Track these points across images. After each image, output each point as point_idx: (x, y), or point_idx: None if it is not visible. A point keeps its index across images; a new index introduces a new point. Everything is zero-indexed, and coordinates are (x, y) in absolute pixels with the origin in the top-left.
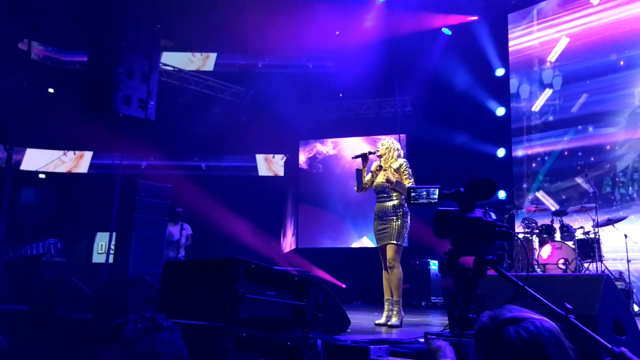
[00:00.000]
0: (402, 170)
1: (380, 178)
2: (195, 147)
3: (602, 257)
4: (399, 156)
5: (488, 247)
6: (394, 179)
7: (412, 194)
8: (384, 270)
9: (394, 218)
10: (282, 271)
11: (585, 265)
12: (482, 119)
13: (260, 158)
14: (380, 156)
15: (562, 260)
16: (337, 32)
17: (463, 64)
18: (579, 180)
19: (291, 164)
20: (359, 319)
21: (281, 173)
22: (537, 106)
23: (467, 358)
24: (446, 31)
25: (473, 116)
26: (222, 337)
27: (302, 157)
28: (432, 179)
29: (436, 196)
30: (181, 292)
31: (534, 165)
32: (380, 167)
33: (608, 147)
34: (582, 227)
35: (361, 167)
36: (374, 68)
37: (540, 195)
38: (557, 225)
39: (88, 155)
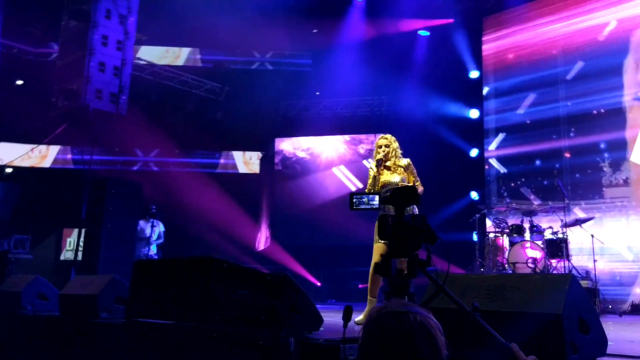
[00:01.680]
0: (410, 169)
1: (387, 177)
2: (168, 143)
3: (570, 257)
4: (402, 154)
5: (416, 250)
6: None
7: (354, 200)
8: (373, 269)
9: None
10: (255, 270)
11: (553, 264)
12: (457, 120)
13: (235, 155)
14: (386, 154)
15: (530, 260)
16: (315, 31)
17: (439, 65)
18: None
19: (267, 161)
20: (332, 317)
21: (257, 170)
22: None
23: None
24: (423, 33)
25: (448, 117)
26: (194, 336)
27: (278, 155)
28: None
29: (376, 202)
30: (152, 291)
31: (506, 166)
32: (385, 165)
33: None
34: (550, 227)
35: (378, 172)
36: (351, 67)
37: (524, 191)
38: (527, 225)
39: (55, 149)
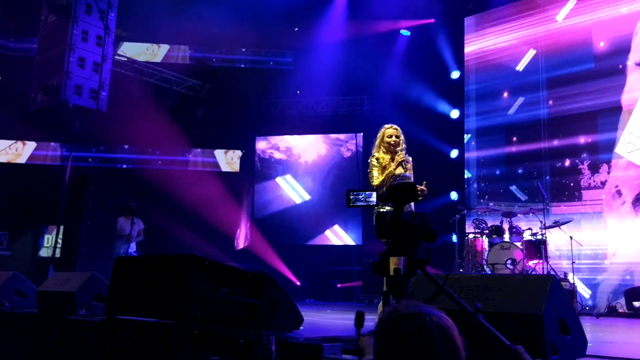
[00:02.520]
0: (409, 166)
1: (400, 169)
2: (149, 140)
3: (549, 258)
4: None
5: (415, 248)
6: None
7: (351, 197)
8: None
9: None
10: (236, 268)
11: (532, 265)
12: (437, 120)
13: (216, 153)
14: (397, 144)
15: (509, 261)
16: (296, 29)
17: (420, 65)
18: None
19: (247, 160)
20: (311, 316)
21: (237, 169)
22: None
23: None
24: (405, 32)
25: (428, 117)
26: (174, 334)
27: (259, 154)
28: None
29: (373, 199)
30: (132, 288)
31: (486, 167)
32: (394, 158)
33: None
34: (530, 229)
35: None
36: (333, 66)
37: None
38: (506, 226)
39: (33, 145)
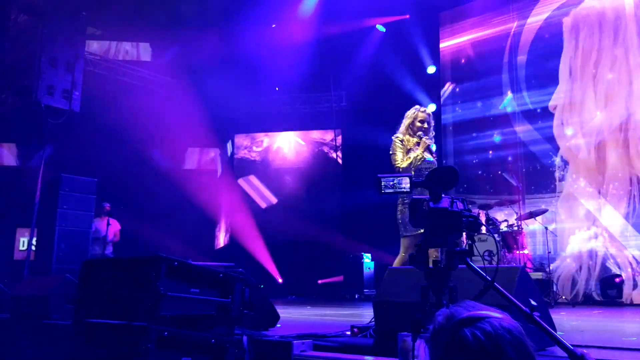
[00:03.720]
0: (433, 149)
1: (428, 154)
2: (125, 140)
3: (524, 249)
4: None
5: (457, 238)
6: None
7: (382, 183)
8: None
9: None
10: (206, 268)
11: (509, 256)
12: None
13: (193, 152)
14: (427, 131)
15: (486, 252)
16: (274, 25)
17: (396, 60)
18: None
19: (225, 158)
20: (290, 313)
21: (215, 167)
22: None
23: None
24: (380, 28)
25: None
26: (143, 336)
27: (237, 151)
28: (366, 172)
29: (407, 185)
30: (101, 290)
31: (463, 160)
32: (418, 142)
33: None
34: (506, 220)
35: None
36: (311, 62)
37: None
38: (483, 219)
39: (4, 147)
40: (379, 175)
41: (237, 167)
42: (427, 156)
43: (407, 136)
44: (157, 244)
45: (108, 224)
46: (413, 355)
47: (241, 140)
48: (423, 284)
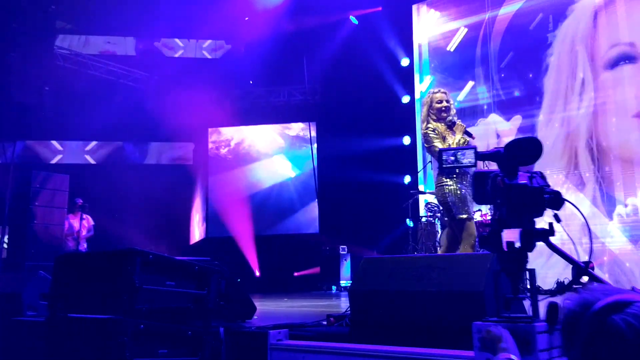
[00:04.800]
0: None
1: (458, 137)
2: (97, 135)
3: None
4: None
5: (537, 216)
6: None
7: (444, 157)
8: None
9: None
10: (181, 261)
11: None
12: (389, 106)
13: (167, 146)
14: (448, 110)
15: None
16: (247, 18)
17: (371, 52)
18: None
19: (200, 152)
20: (267, 306)
21: (189, 161)
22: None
23: (523, 344)
24: (353, 20)
25: (380, 103)
26: (119, 329)
27: (211, 146)
28: (341, 163)
29: (471, 159)
30: (75, 285)
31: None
32: (449, 126)
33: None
34: (479, 210)
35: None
36: (285, 55)
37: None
38: None
39: None
40: (440, 148)
41: (211, 161)
42: (467, 139)
43: (435, 123)
44: (130, 240)
45: (81, 219)
46: (499, 348)
47: (215, 134)
48: (495, 269)
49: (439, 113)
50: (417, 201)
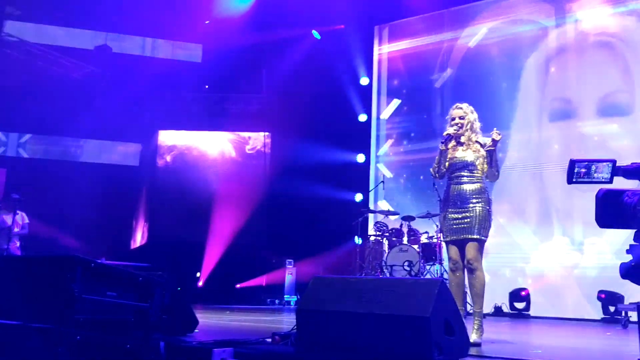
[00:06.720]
0: (476, 147)
1: (460, 154)
2: (40, 129)
3: (442, 261)
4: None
5: None
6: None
7: (576, 170)
8: (451, 273)
9: (478, 205)
10: (125, 271)
11: (428, 267)
12: (346, 123)
13: (113, 146)
14: (459, 127)
15: (407, 263)
16: (207, 22)
17: (331, 68)
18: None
19: (148, 154)
20: (209, 318)
21: (136, 163)
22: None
23: None
24: (316, 34)
25: (337, 120)
26: (55, 340)
27: (161, 148)
28: (293, 175)
29: (606, 174)
30: (10, 291)
31: (391, 171)
32: (458, 141)
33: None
34: (426, 232)
35: (447, 148)
36: (244, 62)
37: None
38: (405, 230)
39: None
40: (572, 159)
41: (159, 164)
42: (462, 158)
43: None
44: (67, 242)
45: (14, 215)
46: None
47: (165, 136)
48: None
49: (449, 129)
50: (366, 219)
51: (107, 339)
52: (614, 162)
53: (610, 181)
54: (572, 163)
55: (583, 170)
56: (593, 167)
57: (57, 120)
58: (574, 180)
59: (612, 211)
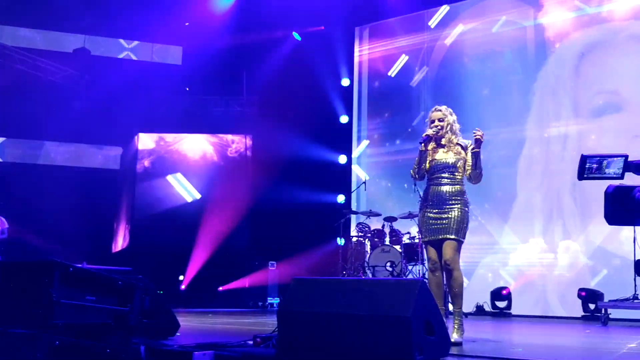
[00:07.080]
0: (457, 150)
1: (440, 155)
2: (19, 132)
3: (424, 261)
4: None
5: None
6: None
7: (587, 165)
8: (430, 273)
9: (456, 207)
10: (104, 275)
11: (410, 267)
12: (327, 124)
13: (93, 150)
14: (438, 130)
15: (389, 263)
16: (187, 24)
17: (312, 70)
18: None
19: (128, 157)
20: (190, 321)
21: (116, 166)
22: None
23: None
24: (296, 36)
25: (318, 121)
26: (33, 345)
27: (141, 151)
28: (275, 177)
29: (617, 169)
30: None
31: (372, 172)
32: (439, 143)
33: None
34: (408, 232)
35: (426, 149)
36: (224, 64)
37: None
38: (387, 230)
39: None
40: (583, 154)
41: (139, 167)
42: (442, 160)
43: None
44: (47, 246)
45: None
46: None
47: (146, 139)
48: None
49: (428, 131)
50: (348, 220)
51: (87, 343)
52: (625, 157)
53: (622, 177)
54: (584, 158)
55: (595, 165)
56: (604, 163)
57: (36, 123)
58: (585, 176)
59: (622, 208)
